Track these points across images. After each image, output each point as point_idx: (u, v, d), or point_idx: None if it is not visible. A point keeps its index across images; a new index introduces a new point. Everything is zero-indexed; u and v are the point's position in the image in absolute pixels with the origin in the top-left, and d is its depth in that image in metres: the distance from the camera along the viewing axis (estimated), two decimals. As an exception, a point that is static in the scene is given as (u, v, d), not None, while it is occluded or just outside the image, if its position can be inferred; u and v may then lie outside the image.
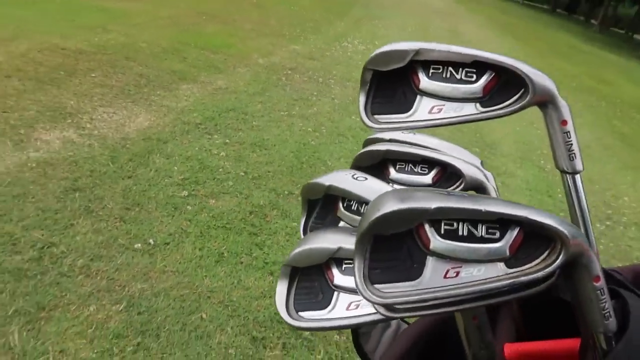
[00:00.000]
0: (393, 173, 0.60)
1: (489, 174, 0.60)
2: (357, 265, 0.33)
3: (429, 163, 0.60)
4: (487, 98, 0.46)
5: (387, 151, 0.59)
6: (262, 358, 1.76)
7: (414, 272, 0.35)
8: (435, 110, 0.46)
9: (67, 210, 2.31)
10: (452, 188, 0.59)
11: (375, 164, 0.60)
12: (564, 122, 0.45)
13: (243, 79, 4.78)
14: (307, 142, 3.72)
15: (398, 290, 0.34)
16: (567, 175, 0.47)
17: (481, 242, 0.35)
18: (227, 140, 3.41)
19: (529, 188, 3.95)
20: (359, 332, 0.77)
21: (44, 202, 2.32)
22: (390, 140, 0.62)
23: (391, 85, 0.47)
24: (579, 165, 0.46)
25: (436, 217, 0.34)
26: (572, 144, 0.45)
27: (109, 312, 1.81)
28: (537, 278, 0.35)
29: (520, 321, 0.53)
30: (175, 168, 2.89)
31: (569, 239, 0.34)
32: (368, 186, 0.47)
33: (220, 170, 3.00)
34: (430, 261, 0.35)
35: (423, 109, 0.47)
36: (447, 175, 0.60)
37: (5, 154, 2.64)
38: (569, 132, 0.45)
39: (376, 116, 0.47)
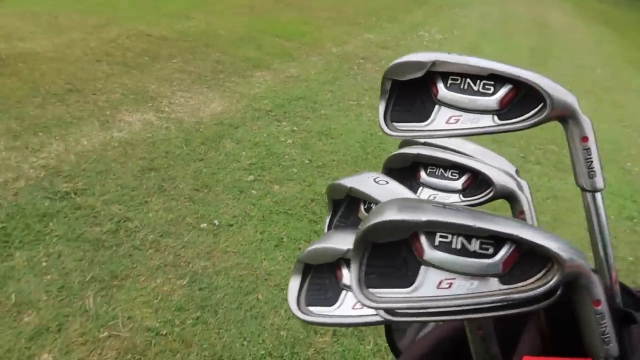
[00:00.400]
0: (424, 176, 0.60)
1: (524, 183, 0.59)
2: (353, 269, 0.35)
3: (459, 169, 0.59)
4: (504, 111, 0.45)
5: (418, 155, 0.59)
6: (312, 343, 1.81)
7: (408, 279, 0.36)
8: (452, 120, 0.46)
9: (143, 188, 2.48)
10: (481, 196, 0.59)
11: (407, 167, 0.60)
12: (585, 139, 0.43)
13: (315, 67, 4.83)
14: (374, 132, 3.70)
15: (392, 296, 0.35)
16: (587, 193, 0.45)
17: (474, 256, 0.35)
18: (295, 128, 3.48)
19: (611, 192, 3.68)
20: (392, 328, 0.78)
21: (123, 180, 2.50)
22: (425, 144, 0.62)
23: (411, 94, 0.47)
24: (599, 183, 0.44)
25: (428, 230, 0.35)
26: (592, 161, 0.44)
27: (173, 285, 1.94)
28: (531, 297, 0.34)
29: (547, 334, 0.52)
30: (244, 153, 3.00)
31: (565, 260, 0.34)
32: (388, 190, 0.47)
33: (286, 157, 3.07)
34: (423, 270, 0.36)
35: (441, 119, 0.47)
36: (478, 182, 0.59)
37: (92, 133, 2.87)
38: (589, 148, 0.44)
39: (395, 124, 0.47)
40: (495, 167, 0.59)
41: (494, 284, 0.35)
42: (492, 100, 0.45)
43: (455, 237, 0.35)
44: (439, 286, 0.35)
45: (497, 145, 3.84)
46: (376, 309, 0.35)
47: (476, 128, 0.46)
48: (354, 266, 0.35)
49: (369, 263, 0.35)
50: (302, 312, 0.45)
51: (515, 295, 0.34)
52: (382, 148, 3.47)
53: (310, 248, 0.46)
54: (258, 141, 3.18)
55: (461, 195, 0.59)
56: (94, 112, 3.09)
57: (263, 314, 1.89)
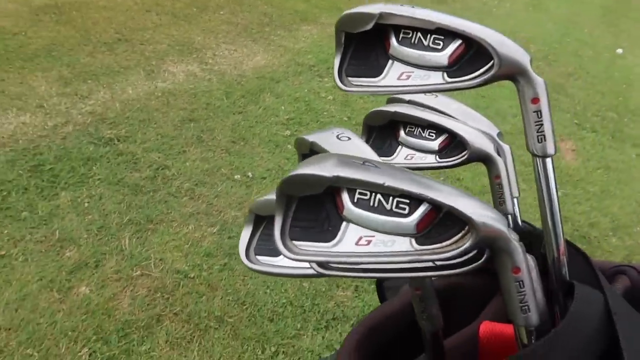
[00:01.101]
0: (403, 135, 0.59)
1: (506, 146, 0.56)
2: (275, 221, 0.35)
3: (437, 129, 0.57)
4: (454, 68, 0.42)
5: (395, 113, 0.57)
6: (333, 296, 1.85)
7: (330, 234, 0.36)
8: (404, 77, 0.44)
9: (182, 137, 2.55)
10: (456, 157, 0.57)
11: (387, 125, 0.59)
12: (535, 100, 0.41)
13: (364, 22, 4.69)
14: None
15: (313, 250, 0.36)
16: (537, 159, 0.43)
17: (390, 215, 0.35)
18: (337, 84, 3.43)
19: None
20: (383, 286, 0.78)
21: (164, 129, 2.58)
22: (409, 102, 0.59)
23: (366, 47, 0.45)
24: (550, 148, 0.42)
25: (338, 185, 0.35)
26: (542, 124, 0.41)
27: (204, 232, 2.02)
28: (446, 258, 0.34)
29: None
30: (283, 108, 3.01)
31: (478, 224, 0.33)
32: (346, 147, 0.47)
33: (325, 113, 3.05)
34: (344, 226, 0.36)
35: (393, 75, 0.45)
36: (455, 143, 0.56)
37: (138, 82, 2.95)
38: (539, 111, 0.41)
39: (350, 78, 0.46)
40: (475, 128, 0.56)
41: (410, 244, 0.35)
42: (441, 56, 0.42)
43: (373, 194, 0.35)
44: (358, 243, 0.35)
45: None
46: (295, 260, 0.35)
47: (426, 85, 0.43)
48: (276, 218, 0.35)
49: (295, 216, 0.36)
50: (249, 260, 0.46)
51: (426, 257, 0.34)
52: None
53: (259, 199, 0.47)
54: (298, 96, 3.16)
55: (437, 157, 0.58)
56: (141, 62, 3.17)
57: (287, 265, 1.94)
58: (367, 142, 0.59)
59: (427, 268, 0.36)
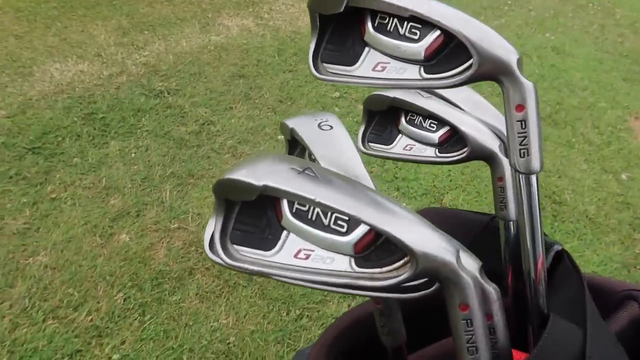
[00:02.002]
0: (403, 123, 0.53)
1: None
2: (216, 223, 0.33)
3: (438, 120, 0.51)
4: (432, 62, 0.36)
5: (394, 99, 0.51)
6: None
7: (269, 242, 0.33)
8: (379, 67, 0.38)
9: (230, 94, 2.55)
10: (457, 154, 0.50)
11: (388, 110, 0.53)
12: (520, 107, 0.34)
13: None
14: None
15: (252, 257, 0.33)
16: (520, 175, 0.36)
17: (328, 231, 0.32)
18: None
19: None
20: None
21: (213, 84, 2.59)
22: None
23: (343, 31, 0.39)
24: (533, 164, 0.35)
25: (267, 194, 0.31)
26: (526, 136, 0.34)
27: (242, 191, 2.03)
28: (382, 287, 0.30)
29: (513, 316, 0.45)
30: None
31: (418, 254, 0.28)
32: (324, 138, 0.43)
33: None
34: (284, 236, 0.33)
35: (368, 65, 0.39)
36: (457, 137, 0.50)
37: (192, 35, 2.96)
38: (525, 120, 0.34)
39: (325, 65, 0.40)
40: (481, 121, 0.49)
41: (349, 264, 0.32)
42: (418, 48, 0.37)
43: (311, 207, 0.32)
44: (297, 255, 0.33)
45: (629, 84, 3.32)
46: (232, 266, 0.33)
47: (400, 80, 0.38)
48: (213, 219, 0.33)
49: (237, 218, 0.33)
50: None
51: (362, 282, 0.30)
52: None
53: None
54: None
55: (437, 150, 0.52)
56: (197, 14, 3.17)
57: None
58: (367, 127, 0.54)
59: (367, 288, 0.32)
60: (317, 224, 0.32)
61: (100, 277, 1.62)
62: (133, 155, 2.10)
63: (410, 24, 0.36)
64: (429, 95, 0.52)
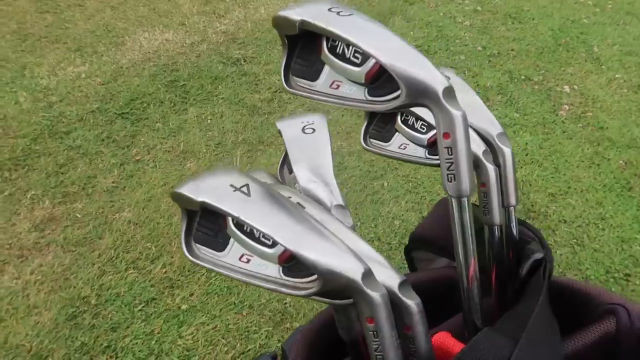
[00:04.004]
0: (399, 122, 0.53)
1: (506, 149, 0.47)
2: (182, 224, 0.38)
3: (427, 122, 0.50)
4: (373, 86, 0.38)
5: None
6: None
7: (221, 245, 0.38)
8: (334, 85, 0.40)
9: (303, 61, 2.59)
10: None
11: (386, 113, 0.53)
12: (446, 135, 0.35)
13: None
14: (577, 19, 3.10)
15: (207, 256, 0.38)
16: (451, 198, 0.38)
17: (259, 243, 0.36)
18: (479, 8, 3.11)
19: None
20: (412, 257, 0.75)
21: (287, 51, 2.64)
22: None
23: (309, 48, 0.40)
24: (462, 189, 0.37)
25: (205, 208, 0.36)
26: (452, 162, 0.36)
27: (308, 158, 2.09)
28: (303, 295, 0.34)
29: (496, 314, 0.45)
30: (412, 33, 2.84)
31: (322, 271, 0.32)
32: (303, 143, 0.45)
33: (457, 41, 2.82)
34: (232, 241, 0.38)
35: (326, 81, 0.40)
36: None
37: (271, 1, 3.01)
38: (451, 147, 0.35)
39: (295, 78, 0.42)
40: (472, 126, 0.48)
41: (278, 272, 0.36)
42: (360, 72, 0.38)
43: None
44: (240, 259, 0.37)
45: None
46: (192, 262, 0.38)
47: (349, 99, 0.39)
48: (182, 222, 0.38)
49: (199, 221, 0.38)
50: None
51: (286, 290, 0.35)
52: (581, 40, 2.91)
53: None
54: (431, 20, 2.95)
55: (427, 152, 0.52)
56: (277, -20, 3.21)
57: (383, 200, 1.95)
58: (369, 123, 0.55)
59: (293, 293, 0.36)
60: (251, 235, 0.37)
61: (174, 234, 1.78)
62: (209, 121, 2.23)
63: (354, 49, 0.38)
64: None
